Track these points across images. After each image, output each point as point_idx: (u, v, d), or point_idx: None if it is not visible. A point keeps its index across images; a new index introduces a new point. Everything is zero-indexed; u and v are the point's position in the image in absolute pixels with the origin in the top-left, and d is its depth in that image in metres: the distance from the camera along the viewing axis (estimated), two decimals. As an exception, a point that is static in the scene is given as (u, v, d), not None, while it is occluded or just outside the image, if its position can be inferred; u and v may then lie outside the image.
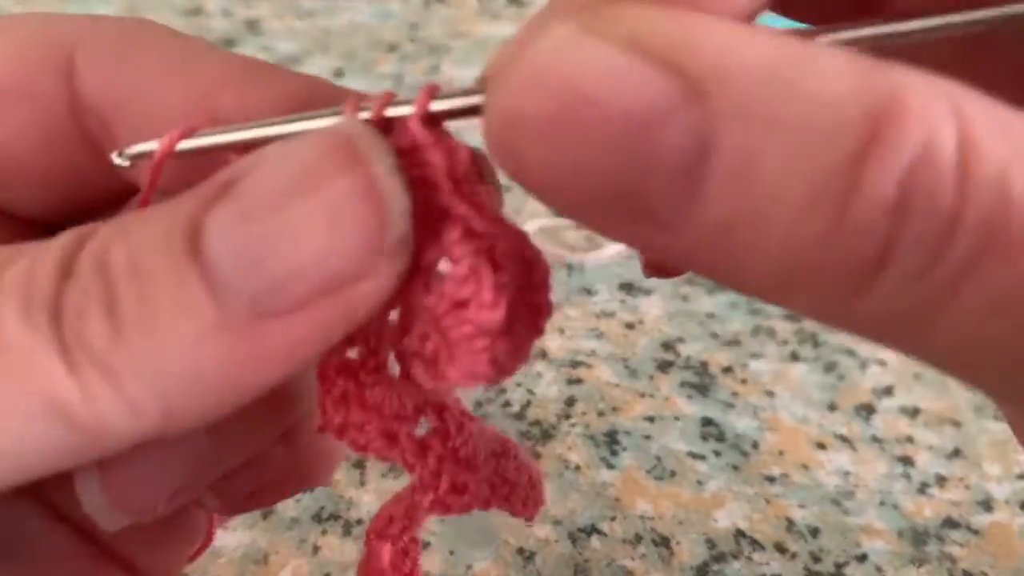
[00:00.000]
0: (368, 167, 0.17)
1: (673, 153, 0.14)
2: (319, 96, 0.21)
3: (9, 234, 0.23)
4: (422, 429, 0.23)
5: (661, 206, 0.15)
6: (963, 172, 0.14)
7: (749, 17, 0.17)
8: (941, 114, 0.14)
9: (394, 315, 0.21)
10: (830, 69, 0.14)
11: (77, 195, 0.24)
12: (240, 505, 0.27)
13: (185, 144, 0.20)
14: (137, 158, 0.21)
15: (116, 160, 0.21)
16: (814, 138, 0.14)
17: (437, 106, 0.18)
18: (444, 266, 0.19)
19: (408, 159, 0.18)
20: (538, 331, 0.19)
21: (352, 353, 0.21)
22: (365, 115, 0.19)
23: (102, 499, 0.22)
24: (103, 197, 0.24)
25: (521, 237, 0.19)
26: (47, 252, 0.17)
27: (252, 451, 0.25)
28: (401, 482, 0.42)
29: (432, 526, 0.40)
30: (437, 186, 0.18)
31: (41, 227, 0.24)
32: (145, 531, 0.24)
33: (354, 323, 0.18)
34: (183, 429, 0.18)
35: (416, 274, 0.19)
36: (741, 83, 0.14)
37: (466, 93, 0.18)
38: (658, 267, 0.24)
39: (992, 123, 0.14)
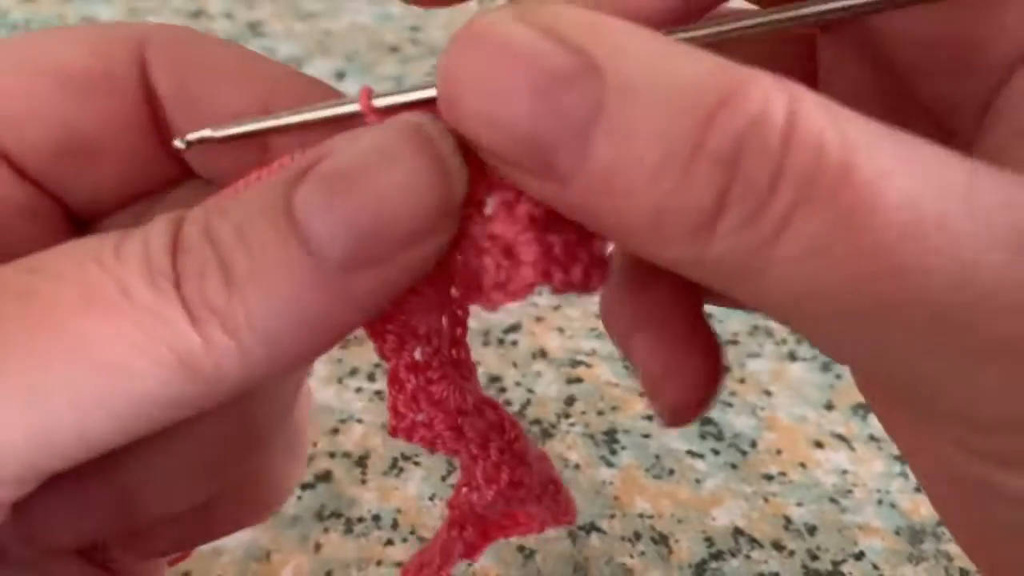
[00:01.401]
0: (438, 147, 0.20)
1: (572, 110, 0.18)
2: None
3: (51, 226, 0.26)
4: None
5: (560, 155, 0.18)
6: (787, 136, 0.17)
7: (654, 23, 0.20)
8: (775, 96, 0.17)
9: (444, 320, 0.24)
10: (695, 61, 0.18)
11: (133, 181, 0.27)
12: (152, 553, 0.28)
13: (233, 130, 0.24)
14: (194, 143, 0.25)
15: (177, 144, 0.24)
16: (675, 110, 0.17)
17: None
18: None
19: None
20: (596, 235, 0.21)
21: (417, 354, 0.24)
22: (386, 101, 0.22)
23: (13, 529, 0.23)
24: (154, 183, 0.27)
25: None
26: (152, 234, 0.20)
27: (177, 510, 0.26)
28: (402, 479, 0.42)
29: (431, 523, 0.40)
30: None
31: (77, 219, 0.27)
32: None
33: (422, 272, 0.21)
34: (282, 373, 0.21)
35: (467, 216, 0.22)
36: (627, 66, 0.18)
37: None
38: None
39: (817, 104, 0.17)
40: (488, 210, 0.22)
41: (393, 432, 0.24)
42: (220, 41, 0.26)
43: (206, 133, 0.24)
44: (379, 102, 0.22)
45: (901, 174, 0.16)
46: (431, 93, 0.22)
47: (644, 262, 0.21)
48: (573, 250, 0.21)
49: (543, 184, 0.19)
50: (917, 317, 0.17)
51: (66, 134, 0.24)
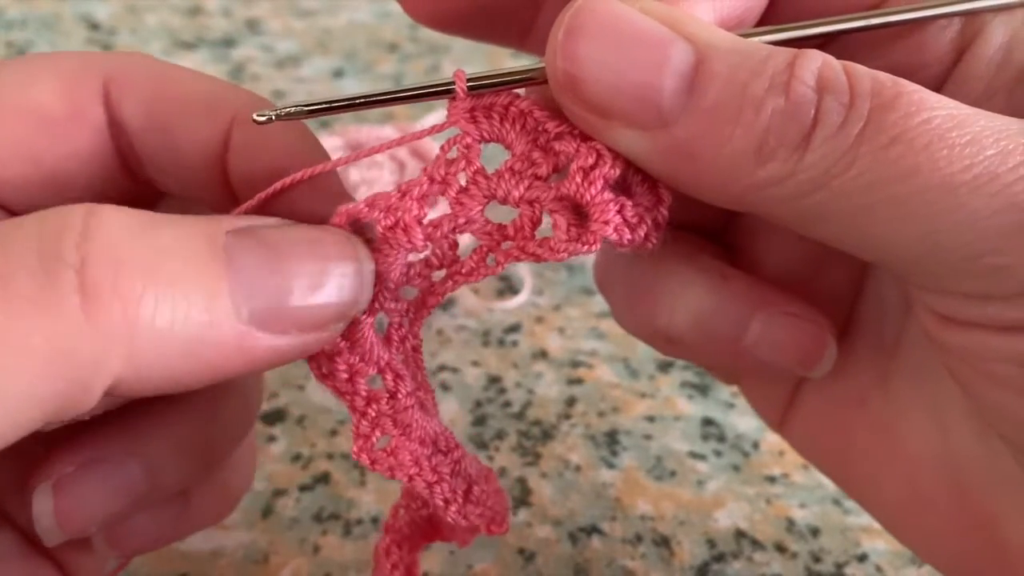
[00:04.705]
0: (362, 263, 0.24)
1: (678, 62, 0.22)
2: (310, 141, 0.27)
3: None
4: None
5: (667, 99, 0.22)
6: (849, 71, 0.22)
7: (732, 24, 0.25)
8: (826, 54, 0.23)
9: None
10: (751, 40, 0.24)
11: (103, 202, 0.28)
12: (134, 548, 0.30)
13: (322, 105, 0.25)
14: (283, 117, 0.25)
15: (256, 118, 0.25)
16: (762, 58, 0.22)
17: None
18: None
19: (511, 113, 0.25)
20: (663, 202, 0.25)
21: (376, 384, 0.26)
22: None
23: (52, 518, 0.26)
24: (124, 203, 0.28)
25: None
26: (52, 220, 0.21)
27: (176, 490, 0.29)
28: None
29: (432, 526, 0.40)
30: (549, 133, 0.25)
31: None
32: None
33: (299, 358, 0.24)
34: (152, 390, 0.22)
35: (530, 185, 0.25)
36: (711, 36, 0.23)
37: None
38: None
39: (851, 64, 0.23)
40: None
41: (356, 455, 0.26)
42: (185, 70, 0.28)
43: (292, 109, 0.25)
44: (471, 84, 0.25)
45: (927, 92, 0.22)
46: (521, 74, 0.25)
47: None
48: (641, 213, 0.25)
49: (644, 134, 0.23)
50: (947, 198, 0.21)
51: (38, 170, 0.26)
